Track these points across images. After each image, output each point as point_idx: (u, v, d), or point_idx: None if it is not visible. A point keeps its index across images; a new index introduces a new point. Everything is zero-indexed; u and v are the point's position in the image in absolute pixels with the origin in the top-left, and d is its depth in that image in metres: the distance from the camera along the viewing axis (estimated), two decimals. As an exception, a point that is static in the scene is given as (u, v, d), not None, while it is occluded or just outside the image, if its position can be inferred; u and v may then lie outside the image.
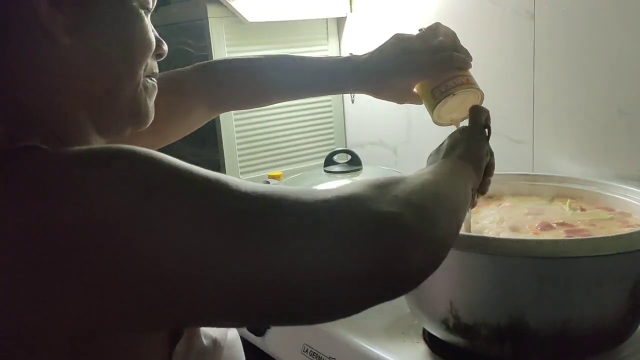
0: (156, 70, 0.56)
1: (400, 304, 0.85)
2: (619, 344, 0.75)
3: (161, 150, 0.75)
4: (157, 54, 0.55)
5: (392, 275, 0.43)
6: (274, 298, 0.40)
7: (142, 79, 0.52)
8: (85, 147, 0.42)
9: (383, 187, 0.46)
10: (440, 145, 0.70)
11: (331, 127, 1.52)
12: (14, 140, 0.44)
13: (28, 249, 0.38)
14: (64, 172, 0.40)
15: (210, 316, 0.43)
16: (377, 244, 0.42)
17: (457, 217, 0.54)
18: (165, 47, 0.56)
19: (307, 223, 0.41)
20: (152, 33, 0.53)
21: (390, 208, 0.44)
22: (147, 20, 0.52)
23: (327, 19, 1.45)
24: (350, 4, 1.44)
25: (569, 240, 0.73)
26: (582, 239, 0.72)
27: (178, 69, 0.80)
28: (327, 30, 1.46)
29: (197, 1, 1.30)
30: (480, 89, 0.77)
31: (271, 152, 1.42)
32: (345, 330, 0.87)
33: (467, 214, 0.74)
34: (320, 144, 1.51)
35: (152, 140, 0.74)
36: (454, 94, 0.75)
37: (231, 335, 0.58)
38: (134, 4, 0.50)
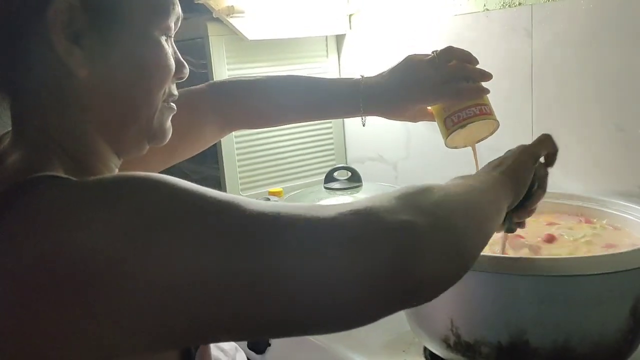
0: (175, 92, 0.55)
1: (401, 322, 0.85)
2: (619, 362, 0.75)
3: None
4: (178, 77, 0.55)
5: (401, 284, 0.42)
6: (287, 311, 0.40)
7: (160, 104, 0.53)
8: (96, 178, 0.42)
9: (403, 198, 0.46)
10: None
11: (331, 143, 1.52)
12: (33, 164, 0.44)
13: (40, 279, 0.37)
14: (76, 204, 0.39)
15: (227, 333, 0.42)
16: (387, 252, 0.41)
17: (482, 228, 0.52)
18: (187, 70, 0.55)
19: (317, 236, 0.41)
20: (172, 58, 0.52)
21: (405, 217, 0.43)
22: (168, 45, 0.52)
23: (326, 36, 1.46)
24: (350, 22, 1.45)
25: (569, 258, 0.73)
26: (582, 257, 0.72)
27: (192, 88, 0.80)
28: (327, 47, 1.47)
29: (197, 19, 1.31)
30: (496, 117, 0.75)
31: (271, 169, 1.43)
32: (345, 348, 0.87)
33: (502, 238, 0.73)
34: (321, 159, 1.51)
35: (164, 158, 0.74)
36: (465, 127, 0.74)
37: (240, 357, 0.58)
38: (155, 33, 0.50)
